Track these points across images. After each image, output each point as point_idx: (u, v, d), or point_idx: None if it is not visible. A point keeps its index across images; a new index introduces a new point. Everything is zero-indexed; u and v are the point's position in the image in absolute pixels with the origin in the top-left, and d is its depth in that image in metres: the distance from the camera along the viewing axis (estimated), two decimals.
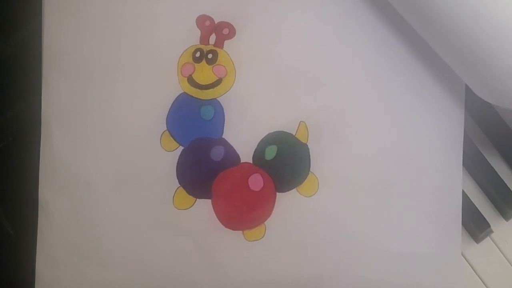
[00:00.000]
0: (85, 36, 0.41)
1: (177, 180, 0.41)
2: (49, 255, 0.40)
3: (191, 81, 0.41)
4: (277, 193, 0.41)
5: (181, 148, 0.41)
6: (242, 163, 0.41)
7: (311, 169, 0.41)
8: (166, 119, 0.41)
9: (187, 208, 0.41)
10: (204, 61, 0.41)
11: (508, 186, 0.43)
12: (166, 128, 0.41)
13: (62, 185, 0.41)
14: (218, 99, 0.41)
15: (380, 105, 0.41)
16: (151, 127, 0.41)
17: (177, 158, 0.41)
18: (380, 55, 0.42)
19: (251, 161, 0.41)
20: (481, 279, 0.42)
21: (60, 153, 0.41)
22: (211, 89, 0.41)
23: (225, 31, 0.41)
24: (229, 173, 0.41)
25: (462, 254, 0.42)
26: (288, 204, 0.41)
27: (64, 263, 0.40)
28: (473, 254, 0.43)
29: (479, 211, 0.42)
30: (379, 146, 0.41)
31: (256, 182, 0.41)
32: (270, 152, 0.41)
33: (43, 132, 0.41)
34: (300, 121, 0.41)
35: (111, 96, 0.41)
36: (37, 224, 0.40)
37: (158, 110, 0.41)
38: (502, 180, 0.43)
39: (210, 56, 0.41)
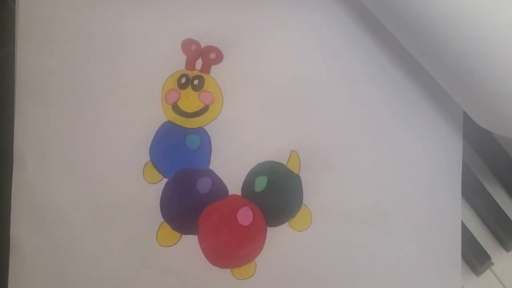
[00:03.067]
0: (61, 61, 0.40)
1: (161, 215, 0.39)
2: None
3: (176, 108, 0.40)
4: (268, 228, 0.40)
5: (165, 180, 0.39)
6: (230, 195, 0.40)
7: (303, 201, 0.40)
8: (150, 149, 0.39)
9: (172, 245, 0.39)
10: (190, 88, 0.40)
11: (509, 216, 0.42)
12: (149, 159, 0.39)
13: (36, 221, 0.39)
14: (204, 127, 0.40)
15: (374, 132, 0.41)
16: (133, 157, 0.39)
17: (161, 190, 0.39)
18: (374, 80, 0.41)
19: (240, 193, 0.40)
20: None
21: (34, 186, 0.39)
22: (197, 117, 0.40)
23: (212, 55, 0.40)
24: (217, 207, 0.39)
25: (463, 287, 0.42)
26: (279, 239, 0.39)
27: None
28: (473, 287, 0.42)
29: (479, 243, 0.42)
30: (374, 175, 0.40)
31: (246, 216, 0.39)
32: (260, 184, 0.40)
33: (16, 162, 0.39)
34: (292, 150, 0.40)
35: (90, 125, 0.39)
36: (8, 264, 0.39)
37: (140, 139, 0.39)
38: (503, 210, 0.42)
39: (196, 82, 0.40)
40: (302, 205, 0.40)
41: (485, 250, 0.41)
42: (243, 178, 0.40)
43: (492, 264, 0.42)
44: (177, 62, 0.40)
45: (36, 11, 0.40)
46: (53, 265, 0.38)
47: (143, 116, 0.39)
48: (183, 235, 0.39)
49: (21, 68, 0.39)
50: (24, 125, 0.39)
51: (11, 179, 0.39)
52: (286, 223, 0.40)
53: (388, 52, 0.41)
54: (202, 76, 0.40)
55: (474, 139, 0.42)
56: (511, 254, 0.42)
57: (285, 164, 0.40)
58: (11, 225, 0.39)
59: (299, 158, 0.40)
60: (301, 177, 0.40)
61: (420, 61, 0.38)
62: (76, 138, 0.39)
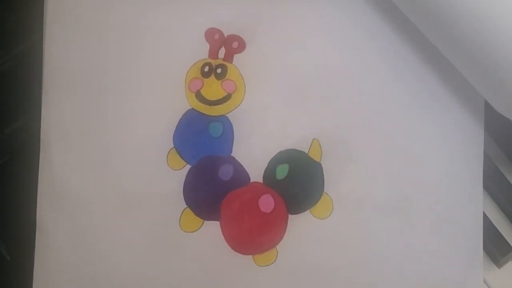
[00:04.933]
0: (87, 50, 0.40)
1: (184, 201, 0.39)
2: (47, 281, 0.39)
3: (199, 96, 0.40)
4: (289, 215, 0.39)
5: (188, 166, 0.40)
6: (252, 182, 0.40)
7: (325, 190, 0.40)
8: (173, 136, 0.40)
9: (194, 231, 0.39)
10: (213, 76, 0.40)
11: None
12: (173, 146, 0.40)
13: (61, 206, 0.39)
14: (227, 115, 0.40)
15: (397, 122, 0.40)
16: (157, 144, 0.39)
17: (184, 177, 0.39)
18: (395, 71, 0.41)
19: (261, 181, 0.40)
20: None
21: (60, 172, 0.39)
22: (220, 105, 0.40)
23: (235, 44, 0.40)
24: (238, 194, 0.39)
25: (484, 280, 0.41)
26: (301, 226, 0.39)
27: None
28: (495, 279, 0.41)
29: (501, 234, 0.41)
30: (395, 165, 0.40)
31: (267, 203, 0.39)
32: (282, 171, 0.40)
33: (42, 150, 0.40)
34: (313, 139, 0.40)
35: (115, 113, 0.40)
36: (35, 248, 0.39)
37: (164, 127, 0.40)
38: None
39: (219, 70, 0.40)
40: (323, 193, 0.40)
41: (507, 241, 0.41)
42: (265, 166, 0.40)
43: None
44: (201, 51, 0.40)
45: (64, 1, 0.40)
46: (77, 251, 0.39)
47: (167, 104, 0.40)
48: (205, 221, 0.39)
49: (49, 57, 0.40)
50: (51, 114, 0.40)
51: (38, 166, 0.39)
52: (308, 211, 0.39)
53: (409, 42, 0.41)
54: (225, 65, 0.40)
55: (495, 130, 0.42)
56: None
57: (306, 152, 0.40)
58: (37, 211, 0.39)
59: (320, 146, 0.40)
60: (322, 165, 0.40)
61: (440, 49, 0.38)
62: (101, 127, 0.40)
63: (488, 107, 0.39)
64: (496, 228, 0.41)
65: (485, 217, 0.41)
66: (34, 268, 0.39)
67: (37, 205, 0.39)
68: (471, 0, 0.34)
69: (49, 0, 0.40)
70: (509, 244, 0.41)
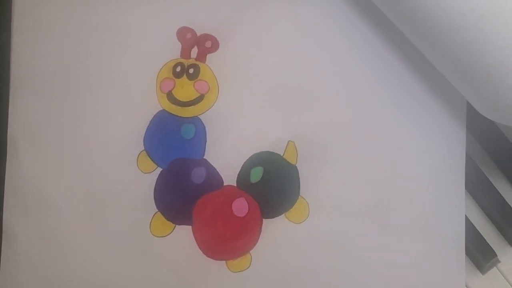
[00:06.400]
0: (56, 49, 0.40)
1: (154, 205, 0.39)
2: (12, 285, 0.39)
3: (170, 97, 0.40)
4: (264, 219, 0.39)
5: (159, 169, 0.39)
6: (225, 186, 0.39)
7: (300, 193, 0.40)
8: (144, 138, 0.40)
9: (166, 236, 0.39)
10: (185, 76, 0.40)
11: None
12: (143, 148, 0.40)
13: (29, 209, 0.39)
14: (199, 116, 0.40)
15: (375, 123, 0.40)
16: (127, 146, 0.39)
17: (155, 180, 0.39)
18: (374, 72, 0.41)
19: (235, 184, 0.39)
20: None
21: (27, 174, 0.39)
22: (192, 106, 0.40)
23: (208, 44, 0.40)
24: (211, 197, 0.39)
25: (467, 286, 0.41)
26: (275, 231, 0.39)
27: None
28: (478, 286, 0.41)
29: (484, 239, 0.41)
30: (374, 167, 0.40)
31: (241, 207, 0.39)
32: (256, 174, 0.39)
33: (9, 151, 0.40)
34: (289, 141, 0.40)
35: (84, 113, 0.40)
36: (0, 253, 0.39)
37: (135, 128, 0.40)
38: (508, 204, 0.41)
39: (191, 70, 0.40)
40: (299, 197, 0.39)
41: (490, 247, 0.41)
42: (239, 169, 0.39)
43: (499, 261, 0.41)
44: (172, 51, 0.40)
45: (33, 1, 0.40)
46: (45, 253, 0.39)
47: (138, 105, 0.40)
48: (177, 226, 0.39)
49: (16, 56, 0.40)
50: (18, 113, 0.40)
51: (5, 166, 0.39)
52: (283, 215, 0.39)
53: (389, 43, 0.41)
54: (197, 65, 0.40)
55: (478, 132, 0.42)
56: None
57: (281, 155, 0.40)
58: (3, 212, 0.39)
59: (296, 148, 0.40)
60: (298, 168, 0.40)
61: (422, 51, 0.38)
62: (69, 127, 0.39)
63: (470, 108, 0.39)
64: (480, 233, 0.41)
65: (468, 221, 0.41)
66: (0, 273, 0.39)
67: (3, 208, 0.39)
68: (452, 4, 0.34)
69: (17, 2, 0.40)
70: (493, 250, 0.41)
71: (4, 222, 0.39)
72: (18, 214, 0.39)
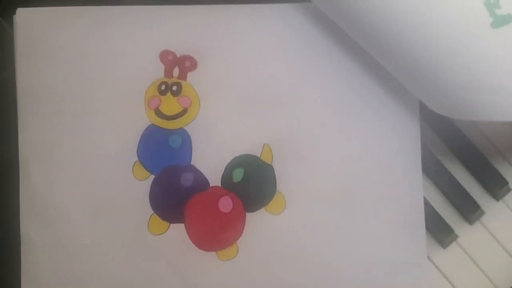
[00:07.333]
0: (55, 76, 0.42)
1: (150, 207, 0.42)
2: (34, 285, 0.41)
3: (158, 113, 0.43)
4: (247, 213, 0.42)
5: (152, 176, 0.42)
6: (212, 187, 0.42)
7: (277, 189, 0.42)
8: (137, 150, 0.42)
9: (162, 233, 0.42)
10: (169, 93, 0.43)
11: (468, 191, 0.44)
12: (137, 159, 0.42)
13: (42, 219, 0.42)
14: (185, 128, 0.43)
15: (340, 123, 0.43)
16: (123, 158, 0.42)
17: (149, 186, 0.42)
18: (338, 75, 0.43)
19: (219, 185, 0.42)
20: (451, 284, 0.43)
21: (39, 189, 0.42)
22: (178, 119, 0.43)
23: (187, 63, 0.43)
24: (200, 198, 0.42)
25: (431, 260, 0.43)
26: (257, 223, 0.42)
27: None
28: (441, 259, 0.43)
29: (442, 218, 0.44)
30: (341, 161, 0.43)
31: (226, 204, 0.42)
32: (238, 175, 0.42)
33: (21, 170, 0.42)
34: (264, 144, 0.43)
35: (84, 131, 0.42)
36: (20, 259, 0.41)
37: (128, 142, 0.42)
38: (462, 186, 0.44)
39: (174, 88, 0.43)
40: (276, 192, 0.42)
41: (448, 224, 0.43)
42: (222, 171, 0.42)
43: (457, 236, 0.43)
44: (157, 71, 0.43)
45: (32, 34, 0.43)
46: (59, 257, 0.41)
47: (130, 121, 0.42)
48: (171, 224, 0.42)
49: (22, 87, 0.42)
50: (27, 137, 0.42)
51: (19, 185, 0.42)
52: (263, 208, 0.42)
53: (349, 53, 0.43)
54: (179, 83, 0.43)
55: (432, 122, 0.44)
56: (475, 226, 0.44)
57: (259, 156, 0.43)
58: (21, 225, 0.41)
59: (271, 150, 0.43)
60: (274, 167, 0.42)
61: (376, 57, 0.41)
62: (73, 145, 0.42)
63: (423, 104, 0.41)
64: (438, 212, 0.43)
65: (427, 202, 0.43)
66: (22, 275, 0.41)
67: (20, 220, 0.42)
68: (401, 10, 0.37)
69: (18, 39, 0.43)
70: (450, 226, 0.43)
71: (21, 231, 0.41)
72: (33, 224, 0.41)
